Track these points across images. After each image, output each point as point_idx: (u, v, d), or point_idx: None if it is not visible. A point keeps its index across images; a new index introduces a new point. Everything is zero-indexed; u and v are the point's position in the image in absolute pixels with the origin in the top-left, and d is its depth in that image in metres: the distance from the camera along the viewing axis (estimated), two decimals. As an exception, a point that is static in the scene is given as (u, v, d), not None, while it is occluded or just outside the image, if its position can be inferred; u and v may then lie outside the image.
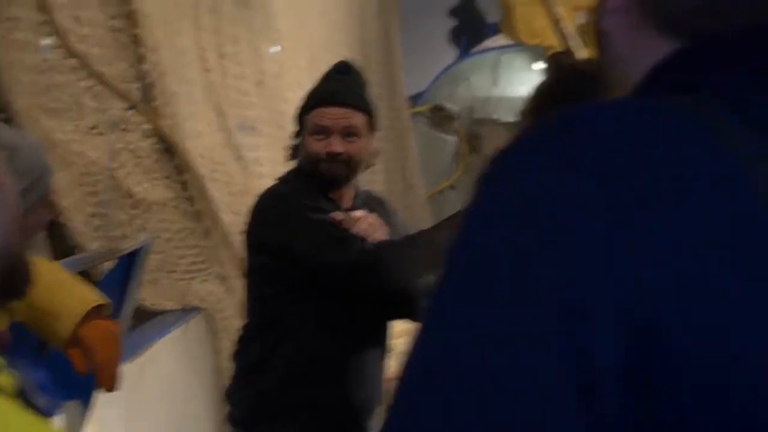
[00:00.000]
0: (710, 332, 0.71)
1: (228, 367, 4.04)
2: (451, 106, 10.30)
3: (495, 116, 10.11)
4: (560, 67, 2.10)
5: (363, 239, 2.85)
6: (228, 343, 4.05)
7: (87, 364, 2.35)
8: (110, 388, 2.39)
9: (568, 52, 4.65)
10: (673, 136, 0.79)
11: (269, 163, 5.01)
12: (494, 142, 10.09)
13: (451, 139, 10.30)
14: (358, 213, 2.98)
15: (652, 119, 0.81)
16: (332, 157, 2.93)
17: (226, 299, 4.05)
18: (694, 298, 0.72)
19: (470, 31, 13.51)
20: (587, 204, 0.75)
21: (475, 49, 11.93)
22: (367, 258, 2.78)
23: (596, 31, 1.01)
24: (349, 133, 2.94)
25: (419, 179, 8.88)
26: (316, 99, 3.01)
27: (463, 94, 10.52)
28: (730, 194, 0.75)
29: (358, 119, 2.96)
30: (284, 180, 3.14)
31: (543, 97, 2.04)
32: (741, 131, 0.79)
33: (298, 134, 3.05)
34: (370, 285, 2.86)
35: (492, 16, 12.44)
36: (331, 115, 2.94)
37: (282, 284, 2.97)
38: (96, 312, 2.40)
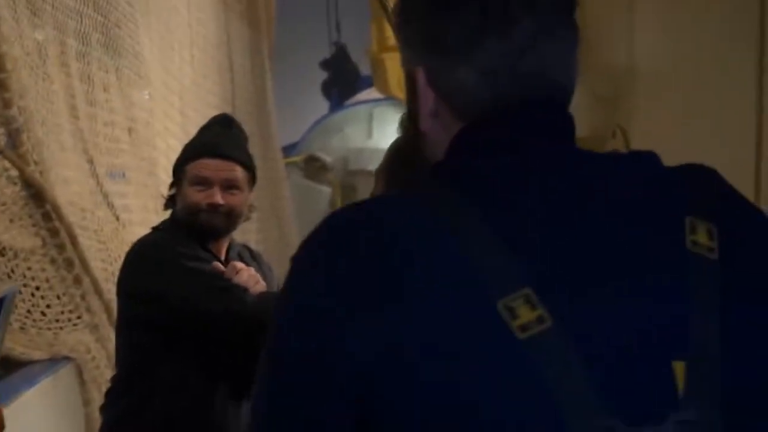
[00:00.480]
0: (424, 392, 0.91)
1: (98, 418, 3.98)
2: (326, 157, 10.38)
3: (369, 167, 10.17)
4: (410, 126, 2.15)
5: (244, 290, 2.85)
6: (98, 394, 3.97)
7: None
8: None
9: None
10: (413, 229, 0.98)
11: (139, 210, 4.98)
12: (368, 193, 10.17)
13: (326, 190, 10.36)
14: (239, 264, 2.99)
15: (398, 213, 1.01)
16: (213, 208, 2.93)
17: (97, 349, 3.99)
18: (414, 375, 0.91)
19: (343, 83, 13.66)
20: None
21: (348, 102, 12.06)
22: (249, 308, 2.77)
23: (416, 129, 1.19)
24: (230, 185, 2.96)
25: (294, 228, 8.91)
26: (198, 150, 3.01)
27: (337, 145, 10.62)
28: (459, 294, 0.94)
29: (239, 173, 2.98)
30: (160, 229, 3.12)
31: (394, 156, 2.09)
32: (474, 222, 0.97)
33: (174, 184, 3.04)
34: (250, 335, 2.84)
35: (364, 69, 12.61)
36: (214, 167, 2.95)
37: (156, 334, 2.92)
38: None
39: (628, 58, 2.62)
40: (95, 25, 4.51)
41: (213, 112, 6.78)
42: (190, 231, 2.97)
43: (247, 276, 2.91)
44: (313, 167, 10.32)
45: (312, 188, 10.26)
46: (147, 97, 5.29)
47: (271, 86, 9.56)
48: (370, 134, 10.70)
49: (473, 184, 1.02)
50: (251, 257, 3.21)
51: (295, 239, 8.81)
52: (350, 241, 1.01)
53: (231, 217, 2.99)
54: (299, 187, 10.04)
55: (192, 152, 3.03)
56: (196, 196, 2.94)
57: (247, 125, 7.70)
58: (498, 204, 1.00)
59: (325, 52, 13.96)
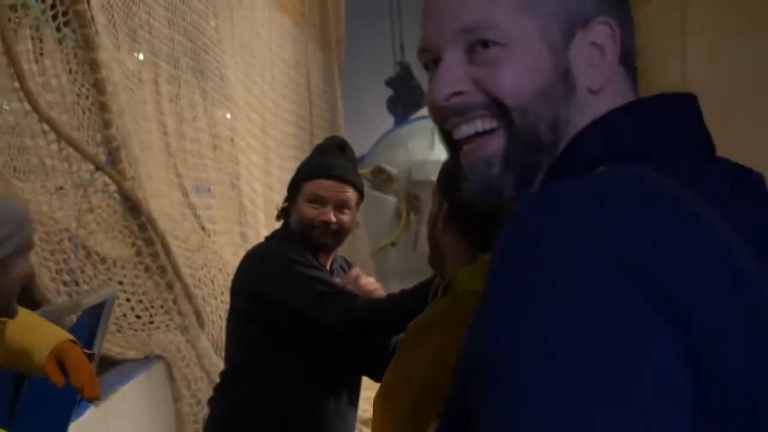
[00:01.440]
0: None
1: (188, 412, 4.02)
2: (391, 169, 10.38)
3: (432, 178, 10.14)
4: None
5: (354, 296, 2.87)
6: (187, 391, 4.02)
7: (62, 377, 2.32)
8: (92, 395, 2.34)
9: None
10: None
11: (223, 221, 5.02)
12: (431, 202, 10.18)
13: (392, 199, 10.36)
14: (357, 270, 3.07)
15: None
16: (325, 225, 2.95)
17: (187, 349, 4.03)
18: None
19: (407, 99, 13.64)
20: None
21: (412, 117, 12.04)
22: (358, 314, 2.79)
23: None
24: (342, 205, 2.97)
25: (363, 236, 8.92)
26: (316, 170, 3.03)
27: (402, 158, 10.60)
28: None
29: (351, 194, 2.99)
30: (276, 237, 3.16)
31: (445, 175, 2.08)
32: None
33: (289, 199, 3.07)
34: (361, 340, 2.95)
35: (425, 85, 12.60)
36: (329, 187, 2.97)
37: (267, 334, 2.97)
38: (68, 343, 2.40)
39: (681, 78, 2.58)
40: (185, 50, 4.57)
41: (291, 129, 6.86)
42: (303, 243, 3.00)
43: (366, 282, 2.96)
44: (380, 178, 10.32)
45: (379, 198, 10.25)
46: (228, 116, 5.32)
47: (341, 104, 9.61)
48: (432, 147, 10.67)
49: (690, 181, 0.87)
50: (348, 268, 3.22)
51: (363, 247, 8.83)
52: None
53: (340, 234, 3.01)
54: (367, 196, 10.07)
55: (310, 172, 3.05)
56: (310, 212, 2.96)
57: (319, 141, 7.79)
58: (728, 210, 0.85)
59: (390, 72, 13.95)
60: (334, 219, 2.96)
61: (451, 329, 1.86)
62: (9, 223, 2.14)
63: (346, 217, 2.99)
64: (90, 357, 2.42)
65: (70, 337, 2.39)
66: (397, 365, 1.88)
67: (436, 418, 1.77)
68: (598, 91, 1.00)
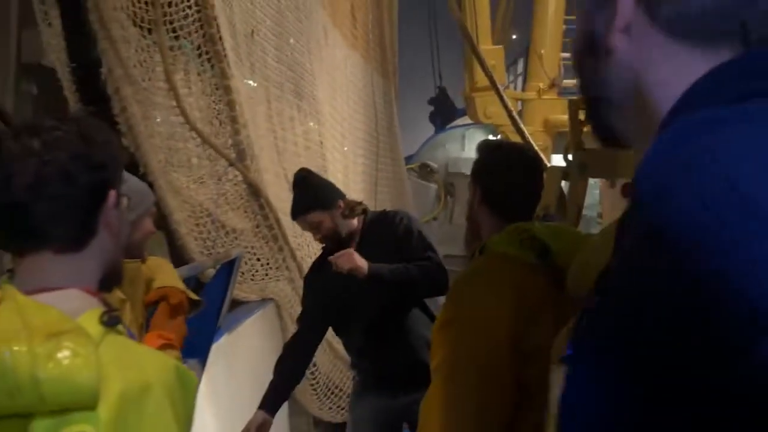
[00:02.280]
0: None
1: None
2: (433, 164, 10.39)
3: (463, 171, 10.18)
4: (483, 146, 2.16)
5: None
6: (291, 324, 4.07)
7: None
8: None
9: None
10: None
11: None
12: (463, 189, 10.18)
13: (433, 186, 10.37)
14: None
15: None
16: (321, 242, 2.98)
17: (292, 294, 4.09)
18: None
19: (443, 113, 13.62)
20: None
21: (448, 126, 12.04)
22: None
23: (599, 51, 0.70)
24: (314, 228, 2.92)
25: (412, 214, 8.92)
26: (291, 214, 3.01)
27: (440, 156, 10.61)
28: None
29: (314, 217, 2.89)
30: None
31: (476, 168, 2.09)
32: None
33: None
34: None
35: (459, 104, 12.59)
36: (302, 227, 3.03)
37: None
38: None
39: None
40: (287, 77, 4.61)
41: (362, 136, 6.86)
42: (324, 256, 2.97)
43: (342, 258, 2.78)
44: (425, 171, 10.33)
45: (424, 186, 10.27)
46: (313, 125, 5.34)
47: (397, 117, 9.61)
48: (463, 148, 10.67)
49: None
50: (378, 228, 2.99)
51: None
52: None
53: (333, 235, 2.91)
54: (415, 185, 10.07)
55: (291, 216, 3.03)
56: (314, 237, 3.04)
57: (384, 145, 7.80)
58: None
59: (431, 93, 13.95)
60: (319, 240, 2.97)
61: (485, 279, 1.91)
62: (138, 193, 2.18)
63: (323, 229, 2.89)
64: (196, 303, 2.39)
65: (182, 287, 2.35)
66: (447, 304, 1.90)
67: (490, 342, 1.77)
68: None
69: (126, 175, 2.20)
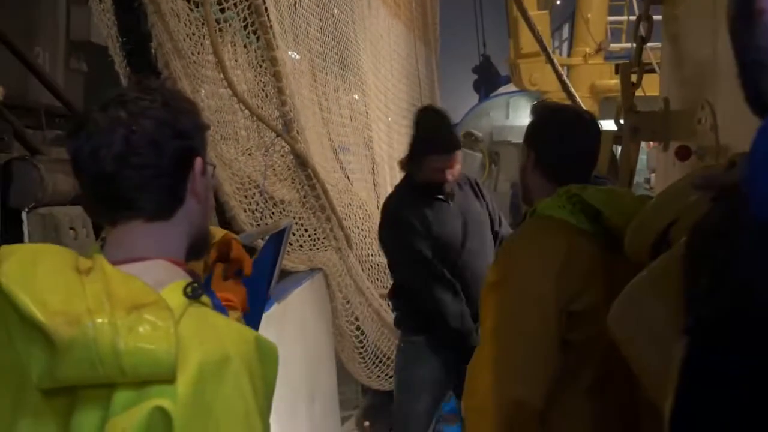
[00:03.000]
0: None
1: (340, 309, 4.11)
2: (478, 133, 10.29)
3: (508, 139, 10.09)
4: (538, 109, 2.13)
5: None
6: (339, 293, 4.10)
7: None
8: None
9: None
10: None
11: (359, 172, 5.06)
12: (508, 157, 10.07)
13: (478, 155, 10.28)
14: None
15: None
16: (446, 180, 3.01)
17: (340, 264, 4.11)
18: None
19: (487, 82, 13.45)
20: None
21: (492, 94, 11.90)
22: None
23: (751, 13, 0.68)
24: (453, 166, 3.00)
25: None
26: (437, 146, 2.99)
27: (485, 125, 10.50)
28: None
29: (458, 156, 3.03)
30: (399, 187, 3.26)
31: (531, 133, 2.07)
32: None
33: (412, 157, 3.08)
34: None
35: (503, 71, 12.42)
36: (445, 160, 2.98)
37: None
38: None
39: (712, 49, 2.43)
40: (332, 48, 4.59)
41: (406, 106, 6.82)
42: (426, 190, 3.02)
43: None
44: (469, 140, 10.23)
45: (469, 154, 10.16)
46: (356, 97, 5.32)
47: (439, 86, 9.53)
48: (507, 116, 10.56)
49: None
50: (467, 188, 3.19)
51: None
52: None
53: (456, 178, 3.05)
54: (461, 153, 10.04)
55: (434, 147, 3.00)
56: (434, 176, 2.99)
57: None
58: None
59: (476, 61, 13.76)
60: (450, 178, 2.99)
61: (533, 243, 1.90)
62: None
63: (456, 170, 3.01)
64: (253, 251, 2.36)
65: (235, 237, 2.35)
66: (496, 266, 1.91)
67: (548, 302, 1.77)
68: None
69: None
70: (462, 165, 3.09)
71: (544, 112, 2.08)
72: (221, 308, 1.20)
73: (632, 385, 1.73)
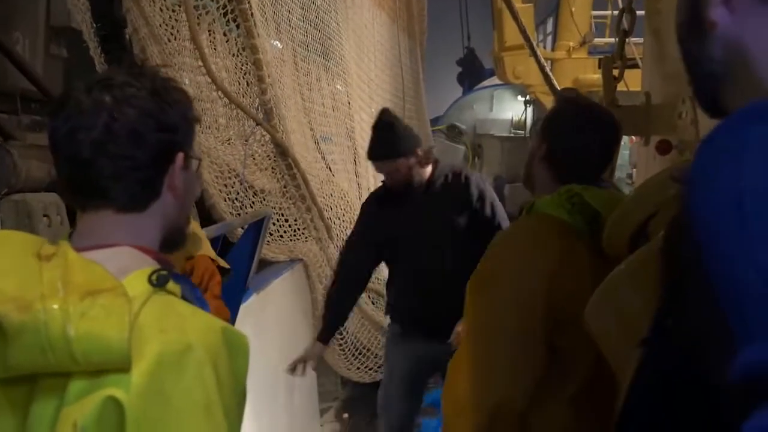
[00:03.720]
0: None
1: (320, 299, 4.09)
2: (461, 125, 10.29)
3: (491, 132, 10.09)
4: (559, 98, 2.07)
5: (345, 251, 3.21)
6: (319, 284, 4.09)
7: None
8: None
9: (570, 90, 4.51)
10: None
11: (341, 162, 5.03)
12: (491, 150, 10.06)
13: (461, 148, 10.28)
14: None
15: None
16: (392, 184, 2.99)
17: (320, 254, 4.09)
18: None
19: (471, 74, 13.44)
20: None
21: (476, 87, 11.89)
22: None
23: (700, 25, 0.69)
24: (391, 172, 2.95)
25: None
26: (369, 155, 3.01)
27: (468, 117, 10.51)
28: None
29: (395, 163, 2.92)
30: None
31: (549, 123, 2.03)
32: None
33: None
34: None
35: (487, 64, 12.41)
36: (379, 168, 2.98)
37: None
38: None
39: None
40: (314, 37, 4.55)
41: (389, 97, 6.80)
42: (387, 191, 3.04)
43: None
44: (453, 132, 10.24)
45: (452, 147, 10.18)
46: (339, 88, 5.29)
47: (423, 78, 9.49)
48: (491, 109, 10.57)
49: None
50: (450, 182, 3.04)
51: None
52: None
53: (405, 181, 2.95)
54: (443, 146, 9.99)
55: (367, 154, 3.04)
56: (385, 178, 3.02)
57: (410, 105, 7.72)
58: None
59: (460, 54, 13.75)
60: (391, 183, 2.97)
61: (526, 240, 1.85)
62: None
63: (399, 174, 2.92)
64: (225, 271, 2.36)
65: (212, 255, 2.32)
66: (485, 261, 1.83)
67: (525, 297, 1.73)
68: None
69: None
70: (445, 157, 3.05)
71: (561, 104, 1.99)
72: (200, 299, 1.15)
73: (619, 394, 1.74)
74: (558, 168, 1.85)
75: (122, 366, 0.92)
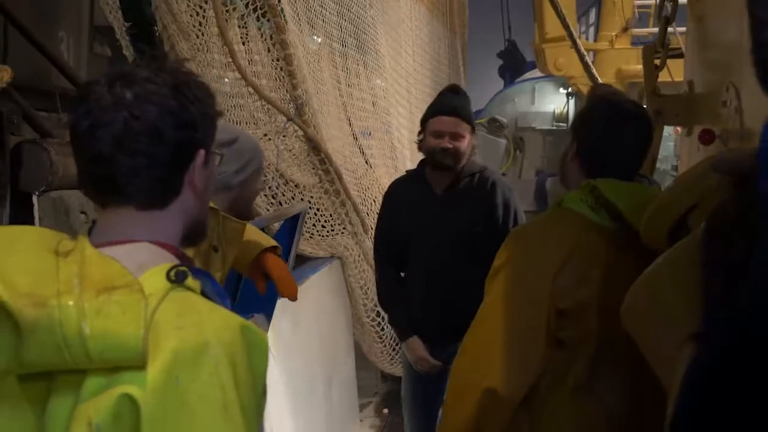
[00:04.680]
0: None
1: (358, 293, 4.07)
2: (502, 119, 10.15)
3: (533, 125, 9.96)
4: (591, 94, 2.05)
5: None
6: (357, 280, 4.07)
7: (265, 284, 2.30)
8: (291, 296, 2.30)
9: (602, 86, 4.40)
10: None
11: (380, 156, 5.01)
12: (532, 143, 9.93)
13: (502, 141, 10.15)
14: None
15: None
16: (444, 151, 2.85)
17: (356, 248, 4.07)
18: None
19: (513, 67, 13.31)
20: None
21: (517, 80, 11.75)
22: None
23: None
24: (455, 135, 2.86)
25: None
26: (435, 110, 2.92)
27: (509, 110, 10.34)
28: None
29: (462, 125, 2.86)
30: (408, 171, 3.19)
31: (578, 123, 1.99)
32: None
33: (421, 133, 2.97)
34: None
35: (528, 56, 12.28)
36: (446, 123, 2.86)
37: None
38: (272, 250, 2.39)
39: (739, 29, 2.33)
40: (350, 32, 4.53)
41: (428, 91, 6.74)
42: (432, 166, 2.92)
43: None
44: (494, 126, 10.08)
45: (493, 141, 10.04)
46: (380, 83, 5.26)
47: (464, 71, 9.42)
48: (533, 102, 10.40)
49: None
50: (474, 185, 2.95)
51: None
52: None
53: (456, 156, 2.87)
54: (484, 139, 9.86)
55: (431, 112, 2.94)
56: (433, 142, 2.88)
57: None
58: None
59: (501, 46, 13.64)
60: (449, 145, 2.86)
61: (541, 233, 1.82)
62: (250, 152, 2.14)
63: (459, 143, 2.85)
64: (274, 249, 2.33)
65: (274, 243, 2.32)
66: (503, 249, 1.84)
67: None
68: None
69: (238, 131, 2.18)
70: (486, 151, 3.00)
71: (594, 101, 1.98)
72: (221, 294, 1.13)
73: (621, 387, 1.71)
74: (589, 165, 1.83)
75: (138, 363, 0.91)
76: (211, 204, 1.98)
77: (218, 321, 0.99)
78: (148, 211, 1.06)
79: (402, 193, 3.01)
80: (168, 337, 0.93)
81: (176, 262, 1.03)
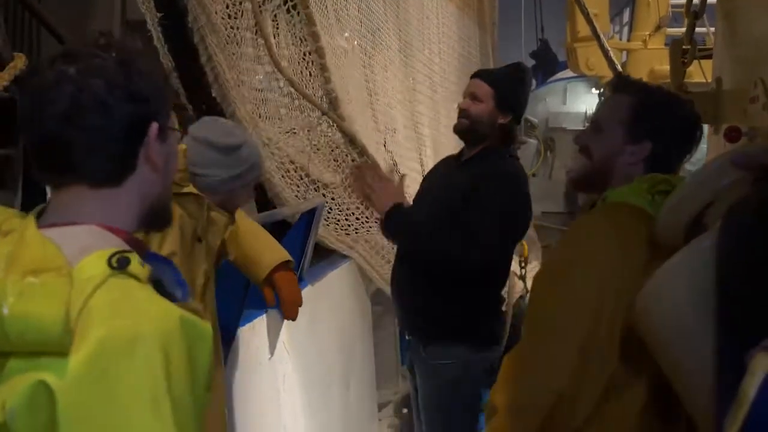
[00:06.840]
0: None
1: (377, 291, 4.02)
2: (533, 119, 10.08)
3: (564, 126, 9.87)
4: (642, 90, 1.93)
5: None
6: (377, 278, 4.02)
7: (273, 299, 2.44)
8: (292, 318, 2.49)
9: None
10: None
11: (406, 151, 4.97)
12: (563, 144, 9.83)
13: (533, 142, 10.08)
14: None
15: None
16: (460, 113, 2.81)
17: (378, 248, 4.02)
18: None
19: (545, 66, 13.22)
20: None
21: (549, 80, 11.67)
22: None
23: None
24: (474, 97, 2.76)
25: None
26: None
27: (541, 110, 10.28)
28: None
29: (483, 88, 2.75)
30: None
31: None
32: None
33: None
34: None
35: (561, 56, 12.18)
36: (468, 84, 2.83)
37: None
38: (284, 264, 2.43)
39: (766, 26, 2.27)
40: (374, 28, 4.52)
41: (454, 88, 6.70)
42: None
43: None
44: (525, 126, 10.04)
45: (523, 141, 10.00)
46: (401, 78, 5.20)
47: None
48: (564, 102, 10.33)
49: None
50: (473, 162, 2.84)
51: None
52: None
53: (468, 118, 2.78)
54: (514, 140, 9.85)
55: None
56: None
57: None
58: None
59: (533, 46, 13.55)
60: (464, 106, 2.78)
61: (608, 228, 1.68)
62: (248, 164, 2.15)
63: (477, 107, 2.74)
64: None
65: (288, 257, 2.42)
66: (560, 249, 1.82)
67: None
68: None
69: (245, 137, 2.20)
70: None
71: (663, 100, 1.84)
72: (181, 284, 1.09)
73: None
74: (654, 166, 1.79)
75: (58, 349, 0.88)
76: (196, 191, 1.99)
77: (155, 311, 0.96)
78: (101, 189, 1.04)
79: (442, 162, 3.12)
80: (98, 325, 0.90)
81: (123, 247, 1.00)
